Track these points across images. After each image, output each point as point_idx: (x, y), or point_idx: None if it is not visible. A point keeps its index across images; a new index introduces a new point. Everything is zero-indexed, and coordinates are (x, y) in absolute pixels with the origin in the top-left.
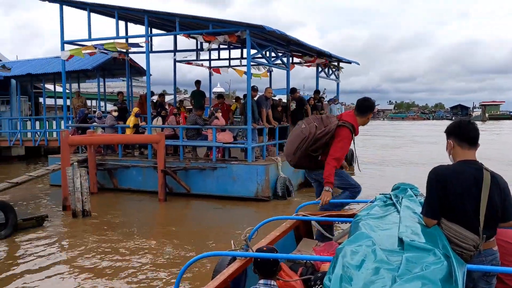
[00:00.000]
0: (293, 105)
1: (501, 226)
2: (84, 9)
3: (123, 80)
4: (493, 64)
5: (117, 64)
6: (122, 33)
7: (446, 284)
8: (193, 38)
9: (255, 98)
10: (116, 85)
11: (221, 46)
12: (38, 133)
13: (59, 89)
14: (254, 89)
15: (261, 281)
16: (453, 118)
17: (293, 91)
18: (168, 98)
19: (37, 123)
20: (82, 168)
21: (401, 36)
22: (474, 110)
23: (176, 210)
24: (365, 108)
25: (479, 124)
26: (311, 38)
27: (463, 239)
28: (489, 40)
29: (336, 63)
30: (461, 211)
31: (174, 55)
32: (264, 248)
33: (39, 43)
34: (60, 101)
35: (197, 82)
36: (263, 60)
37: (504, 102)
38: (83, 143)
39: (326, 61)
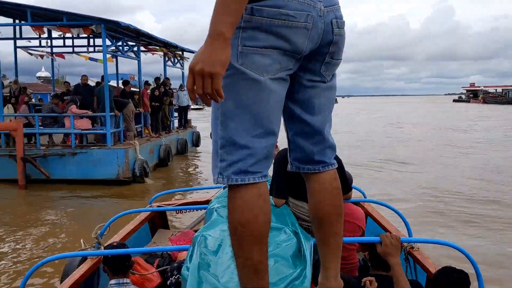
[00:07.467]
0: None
1: None
2: None
3: None
4: None
5: None
6: None
7: (297, 259)
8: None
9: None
10: None
11: (67, 35)
12: None
13: None
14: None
15: (113, 281)
16: None
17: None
18: None
19: None
20: None
21: None
22: None
23: (36, 199)
24: None
25: None
26: (148, 22)
27: (308, 214)
28: None
29: (180, 53)
30: (304, 187)
31: (15, 43)
32: (114, 244)
33: None
34: None
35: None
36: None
37: None
38: None
39: (169, 52)
